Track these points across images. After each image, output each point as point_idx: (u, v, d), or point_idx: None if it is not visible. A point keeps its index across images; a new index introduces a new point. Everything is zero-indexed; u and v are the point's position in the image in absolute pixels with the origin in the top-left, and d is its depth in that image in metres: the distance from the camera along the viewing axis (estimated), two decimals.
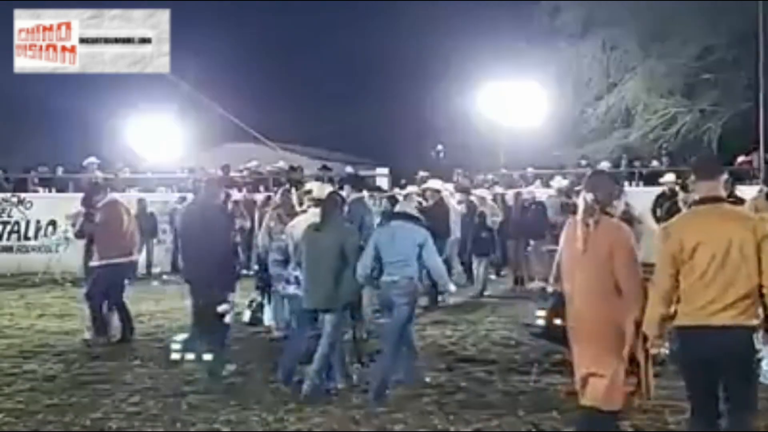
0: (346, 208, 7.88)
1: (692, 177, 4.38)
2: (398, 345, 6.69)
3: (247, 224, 13.41)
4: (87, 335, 9.13)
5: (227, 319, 7.39)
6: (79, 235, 9.72)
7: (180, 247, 7.65)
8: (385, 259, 6.59)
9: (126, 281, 9.24)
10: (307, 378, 6.63)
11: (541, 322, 7.81)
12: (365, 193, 10.49)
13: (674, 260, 4.19)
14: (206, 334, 7.46)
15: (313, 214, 7.10)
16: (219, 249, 7.32)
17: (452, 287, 7.69)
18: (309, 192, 7.92)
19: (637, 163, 20.82)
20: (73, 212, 10.22)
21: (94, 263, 9.01)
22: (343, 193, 9.54)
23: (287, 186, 11.42)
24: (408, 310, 6.60)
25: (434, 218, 10.35)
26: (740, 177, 15.76)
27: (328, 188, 8.08)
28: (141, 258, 16.21)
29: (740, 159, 18.22)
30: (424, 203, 12.04)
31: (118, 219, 9.10)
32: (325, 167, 23.28)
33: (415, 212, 7.00)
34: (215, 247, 7.27)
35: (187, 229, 7.81)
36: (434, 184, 13.02)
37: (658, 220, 13.85)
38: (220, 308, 7.29)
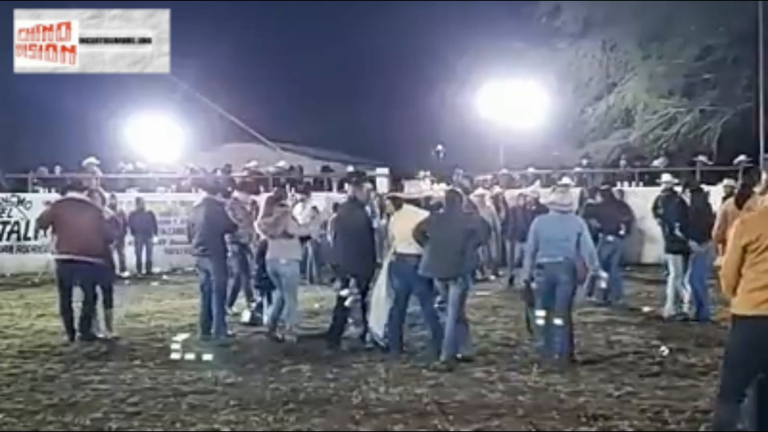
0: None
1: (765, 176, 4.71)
2: (567, 317, 7.72)
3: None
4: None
5: (347, 302, 8.50)
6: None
7: (333, 239, 9.20)
8: (548, 243, 7.75)
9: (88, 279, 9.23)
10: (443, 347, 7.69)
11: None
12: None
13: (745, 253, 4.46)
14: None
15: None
16: (364, 240, 8.67)
17: (603, 274, 8.43)
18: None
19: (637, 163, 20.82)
20: None
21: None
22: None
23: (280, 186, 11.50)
24: (570, 288, 7.71)
25: None
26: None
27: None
28: (133, 258, 16.42)
29: (740, 158, 18.22)
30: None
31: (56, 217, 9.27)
32: (326, 168, 23.30)
33: (571, 204, 8.30)
34: (362, 239, 8.64)
35: (342, 224, 9.02)
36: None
37: (657, 217, 13.85)
38: (343, 292, 8.50)
